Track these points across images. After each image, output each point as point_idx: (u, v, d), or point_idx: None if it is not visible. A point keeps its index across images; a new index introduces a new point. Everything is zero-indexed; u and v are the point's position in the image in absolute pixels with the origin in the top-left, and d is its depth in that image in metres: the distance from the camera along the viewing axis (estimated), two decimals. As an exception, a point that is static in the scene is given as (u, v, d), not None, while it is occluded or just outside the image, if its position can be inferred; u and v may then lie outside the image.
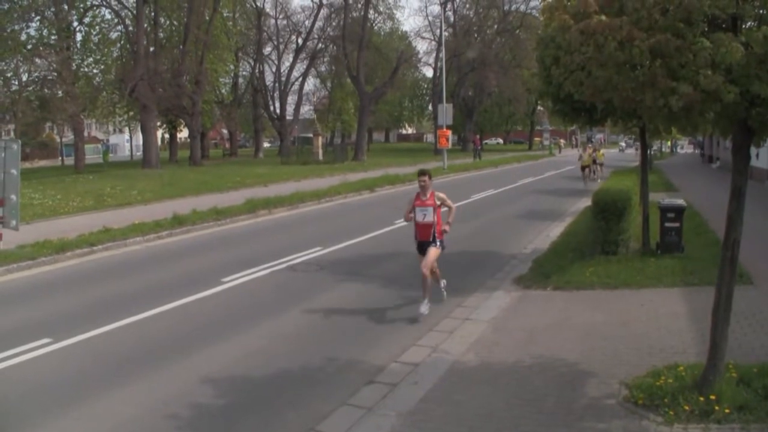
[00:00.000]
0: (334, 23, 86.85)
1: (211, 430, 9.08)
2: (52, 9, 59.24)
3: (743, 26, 7.45)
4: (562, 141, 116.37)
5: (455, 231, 24.30)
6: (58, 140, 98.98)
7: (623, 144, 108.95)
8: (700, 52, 7.08)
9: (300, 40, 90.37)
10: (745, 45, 7.05)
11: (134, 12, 62.73)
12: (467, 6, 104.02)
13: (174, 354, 12.08)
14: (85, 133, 74.41)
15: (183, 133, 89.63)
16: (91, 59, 67.54)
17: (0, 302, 16.07)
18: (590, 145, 55.77)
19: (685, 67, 7.18)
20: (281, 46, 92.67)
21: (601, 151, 53.59)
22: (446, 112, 62.04)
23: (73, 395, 10.23)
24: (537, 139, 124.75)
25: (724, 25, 7.44)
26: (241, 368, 11.31)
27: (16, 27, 59.39)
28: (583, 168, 45.43)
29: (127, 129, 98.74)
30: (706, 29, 7.34)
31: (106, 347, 12.53)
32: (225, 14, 77.27)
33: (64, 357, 12.02)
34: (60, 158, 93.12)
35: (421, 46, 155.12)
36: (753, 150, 8.74)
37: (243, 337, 13.05)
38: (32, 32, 62.03)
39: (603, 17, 7.51)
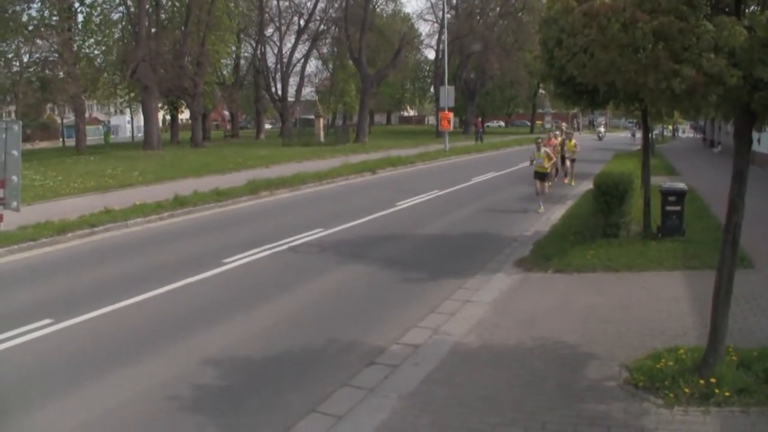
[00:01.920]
0: (336, 5, 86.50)
1: (212, 411, 9.10)
2: (54, -10, 59.16)
3: (746, 10, 7.46)
4: (564, 124, 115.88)
5: (455, 215, 24.41)
6: (59, 121, 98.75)
7: (602, 129, 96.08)
8: (703, 35, 7.08)
9: (302, 22, 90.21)
10: (749, 28, 7.05)
11: (136, -7, 62.56)
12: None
13: (175, 335, 12.10)
14: (87, 115, 74.18)
15: (184, 115, 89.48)
16: (92, 40, 67.22)
17: (1, 283, 16.11)
18: (555, 133, 38.48)
19: (688, 49, 7.17)
20: (283, 28, 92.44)
21: (573, 140, 36.52)
22: (448, 94, 61.96)
23: (74, 376, 10.25)
24: (539, 122, 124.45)
25: (727, 9, 7.44)
26: (243, 349, 11.33)
27: (18, 8, 59.20)
28: (538, 176, 26.62)
29: (128, 110, 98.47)
30: (710, 12, 7.34)
31: (107, 328, 12.55)
32: (227, -5, 77.03)
33: (65, 338, 12.05)
34: (61, 139, 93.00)
35: (424, 28, 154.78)
36: (755, 134, 8.74)
37: (244, 318, 13.07)
38: (33, 13, 61.86)
39: (606, -1, 7.50)
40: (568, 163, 36.47)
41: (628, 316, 12.35)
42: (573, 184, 35.01)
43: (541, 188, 26.59)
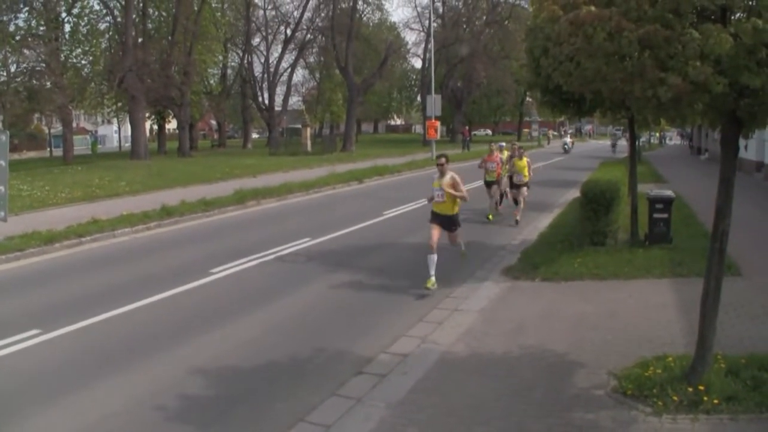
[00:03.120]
0: (322, 14, 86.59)
1: (199, 421, 9.07)
2: (41, 0, 59.11)
3: (732, 17, 7.46)
4: (551, 132, 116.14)
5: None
6: (47, 131, 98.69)
7: (568, 140, 78.56)
8: (689, 43, 7.09)
9: (289, 31, 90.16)
10: (734, 36, 7.05)
11: (123, 3, 62.51)
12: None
13: (163, 345, 12.07)
14: (74, 124, 74.19)
15: (171, 124, 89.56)
16: (79, 50, 67.24)
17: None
18: (500, 145, 30.47)
19: (674, 58, 7.19)
20: (270, 37, 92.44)
21: (525, 158, 26.42)
22: (435, 103, 61.96)
23: (61, 386, 10.21)
24: (525, 130, 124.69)
25: (713, 17, 7.44)
26: (230, 359, 11.31)
27: (5, 18, 59.24)
28: (437, 219, 16.78)
29: (115, 120, 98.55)
30: (695, 20, 7.35)
31: (95, 338, 12.52)
32: (213, 5, 77.11)
33: (53, 348, 12.01)
34: (48, 149, 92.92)
35: (410, 37, 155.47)
36: (741, 141, 8.77)
37: (232, 328, 13.03)
38: (20, 23, 61.93)
39: (592, 8, 7.51)
40: (521, 193, 25.85)
41: (615, 324, 12.35)
42: (518, 219, 24.98)
43: (437, 240, 15.96)
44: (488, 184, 26.94)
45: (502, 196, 27.77)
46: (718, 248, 8.84)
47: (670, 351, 10.19)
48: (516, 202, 26.23)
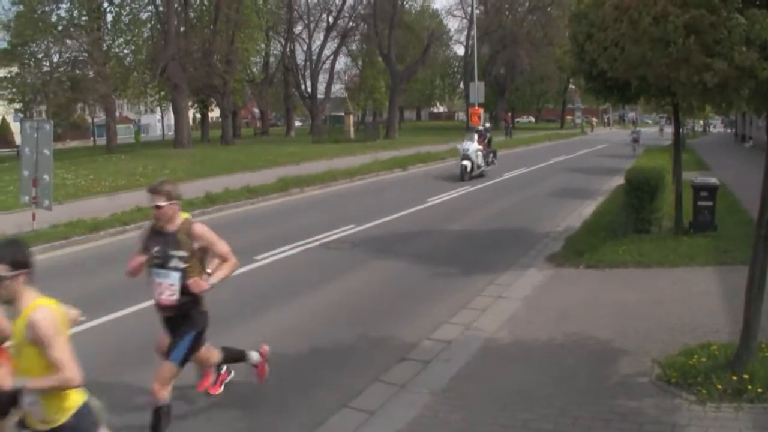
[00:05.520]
0: (365, 1, 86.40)
1: (243, 407, 9.14)
2: (82, -10, 59.70)
3: (778, 2, 7.41)
4: (594, 119, 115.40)
5: (486, 210, 24.34)
6: (90, 121, 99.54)
7: (471, 147, 38.14)
8: (735, 28, 7.04)
9: (331, 19, 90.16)
10: (780, 21, 7.00)
11: (164, -8, 62.87)
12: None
13: (207, 332, 12.16)
14: (117, 114, 74.82)
15: (214, 113, 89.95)
16: (121, 39, 67.82)
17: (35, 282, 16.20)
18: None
19: (720, 43, 7.14)
20: (312, 25, 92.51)
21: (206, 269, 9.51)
22: (478, 90, 61.78)
23: (106, 374, 10.30)
24: (569, 117, 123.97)
25: (758, 2, 7.39)
26: (274, 345, 11.31)
27: (47, 8, 59.93)
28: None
29: (158, 109, 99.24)
30: (741, 5, 7.29)
31: (139, 326, 12.58)
32: (255, -7, 77.22)
33: (98, 336, 12.14)
34: (92, 138, 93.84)
35: (453, 24, 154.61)
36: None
37: (276, 314, 13.12)
38: (63, 13, 62.62)
39: (637, -7, 7.47)
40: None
41: (659, 311, 12.29)
42: None
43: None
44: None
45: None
46: (763, 236, 8.76)
47: (715, 339, 10.12)
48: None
